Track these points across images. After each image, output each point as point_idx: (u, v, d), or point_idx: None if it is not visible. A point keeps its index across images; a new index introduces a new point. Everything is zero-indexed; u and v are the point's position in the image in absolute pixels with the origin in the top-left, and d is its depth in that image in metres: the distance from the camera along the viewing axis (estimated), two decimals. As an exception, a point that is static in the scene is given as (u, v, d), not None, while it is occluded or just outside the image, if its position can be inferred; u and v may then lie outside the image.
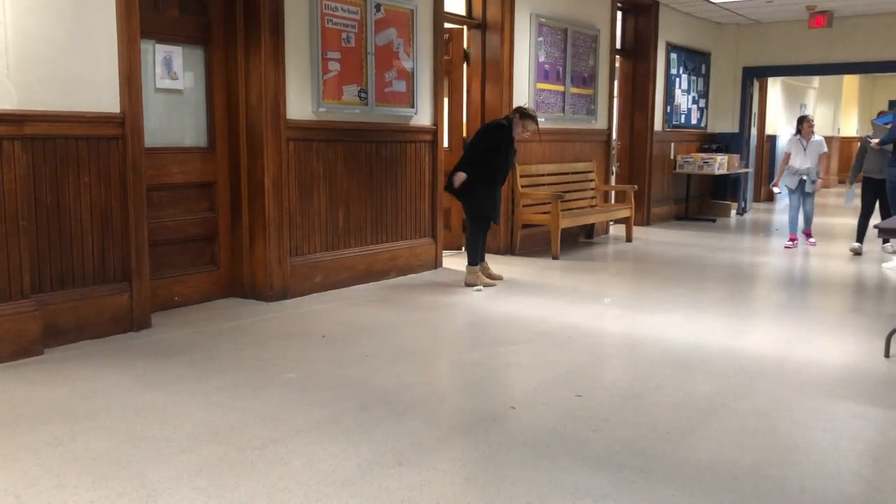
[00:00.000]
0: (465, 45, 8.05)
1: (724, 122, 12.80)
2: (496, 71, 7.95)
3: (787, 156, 9.03)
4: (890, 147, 7.88)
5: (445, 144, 7.77)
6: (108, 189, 4.70)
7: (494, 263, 7.54)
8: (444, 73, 7.48)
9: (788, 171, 9.01)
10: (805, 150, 8.90)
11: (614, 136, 10.30)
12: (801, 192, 8.97)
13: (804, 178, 8.89)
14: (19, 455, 3.04)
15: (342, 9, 6.07)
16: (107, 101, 4.65)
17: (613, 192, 10.19)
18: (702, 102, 12.55)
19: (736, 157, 12.21)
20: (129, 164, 4.76)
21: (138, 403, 3.63)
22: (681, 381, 4.11)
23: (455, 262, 7.52)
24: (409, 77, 6.78)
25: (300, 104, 5.86)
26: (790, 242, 9.01)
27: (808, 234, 9.16)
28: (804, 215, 9.08)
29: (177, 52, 5.41)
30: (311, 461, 3.02)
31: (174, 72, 5.40)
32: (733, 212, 12.41)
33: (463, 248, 8.18)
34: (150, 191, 5.03)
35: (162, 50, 5.31)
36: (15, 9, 4.17)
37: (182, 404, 3.63)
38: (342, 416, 3.52)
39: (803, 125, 9.02)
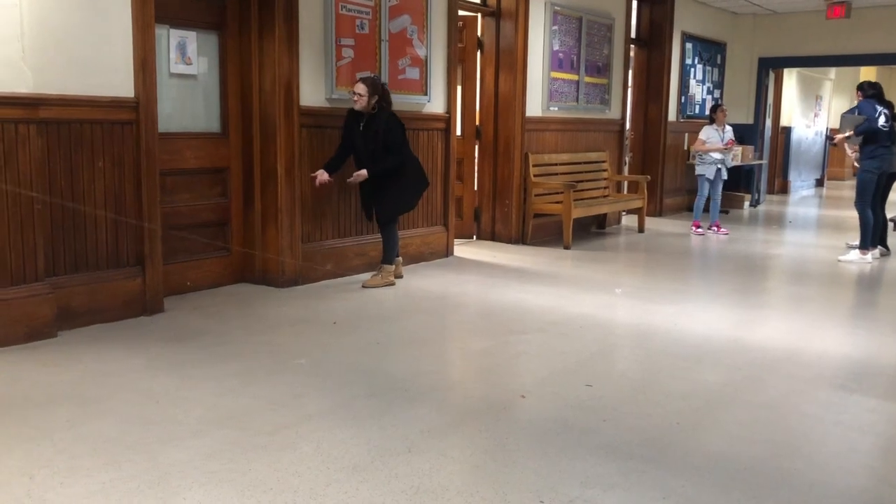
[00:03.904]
0: (478, 33, 8.01)
1: (738, 113, 12.70)
2: (510, 59, 7.92)
3: (701, 142, 9.18)
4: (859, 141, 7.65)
5: (458, 132, 7.76)
6: (121, 173, 4.72)
7: (506, 252, 7.55)
8: (458, 61, 7.45)
9: (706, 161, 9.14)
10: (722, 139, 9.14)
11: (628, 126, 10.25)
12: (716, 180, 9.23)
13: (719, 166, 9.17)
14: (33, 436, 3.07)
15: (356, -5, 6.06)
16: (121, 85, 4.66)
17: (626, 183, 10.15)
18: (716, 93, 12.46)
19: (750, 148, 12.13)
20: (143, 149, 4.77)
21: (151, 387, 3.66)
22: (691, 372, 4.10)
23: (467, 250, 7.52)
24: (423, 64, 6.76)
25: (313, 91, 5.85)
26: (699, 230, 9.24)
27: (717, 225, 9.34)
28: (713, 203, 9.32)
29: (191, 37, 5.41)
30: (322, 447, 3.03)
31: (188, 57, 5.41)
32: (747, 203, 12.34)
33: (473, 237, 8.19)
34: (163, 175, 5.05)
35: (176, 35, 5.31)
36: (31, -7, 4.18)
37: (194, 388, 3.65)
38: (352, 402, 3.53)
39: (717, 113, 9.23)
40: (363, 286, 5.88)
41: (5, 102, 4.06)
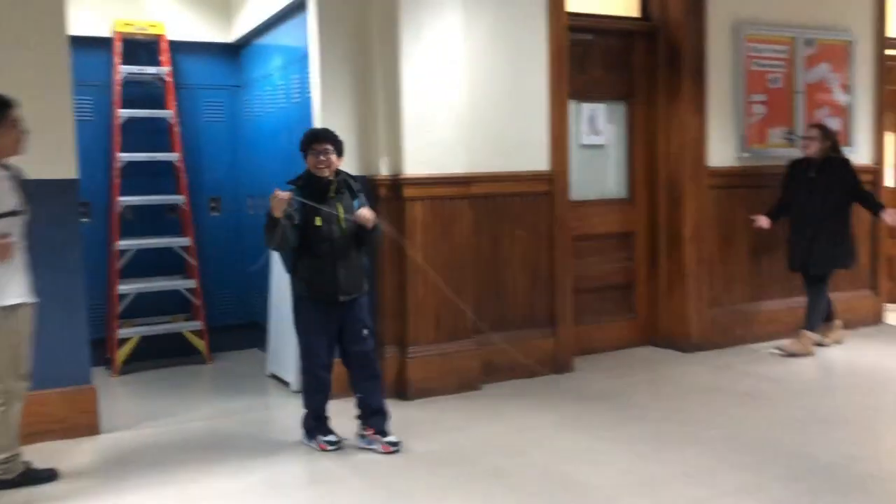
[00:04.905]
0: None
1: None
2: (954, 98, 6.86)
3: None
4: None
5: (889, 182, 6.92)
6: (537, 240, 5.08)
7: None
8: (889, 105, 6.68)
9: None
10: None
11: None
12: None
13: None
14: (465, 477, 3.40)
15: (769, 49, 5.81)
16: (538, 159, 5.05)
17: None
18: None
19: None
20: (556, 218, 5.10)
21: (563, 445, 3.81)
22: None
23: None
24: (845, 113, 6.20)
25: (722, 151, 5.71)
26: None
27: None
28: None
29: (600, 109, 5.68)
30: (740, 529, 2.86)
31: (598, 128, 5.67)
32: None
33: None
34: (573, 241, 5.31)
35: (587, 108, 5.62)
36: (467, 85, 4.77)
37: (606, 451, 3.72)
38: (772, 482, 3.28)
39: None
40: (780, 350, 5.49)
41: (445, 182, 4.66)
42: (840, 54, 6.15)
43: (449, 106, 4.67)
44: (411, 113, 4.55)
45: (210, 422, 4.32)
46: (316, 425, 3.84)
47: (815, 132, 5.48)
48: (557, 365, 5.13)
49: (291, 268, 3.78)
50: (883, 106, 6.46)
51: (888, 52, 6.54)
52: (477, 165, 4.83)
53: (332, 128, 3.88)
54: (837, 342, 5.75)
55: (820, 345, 5.63)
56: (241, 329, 5.97)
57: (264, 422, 4.42)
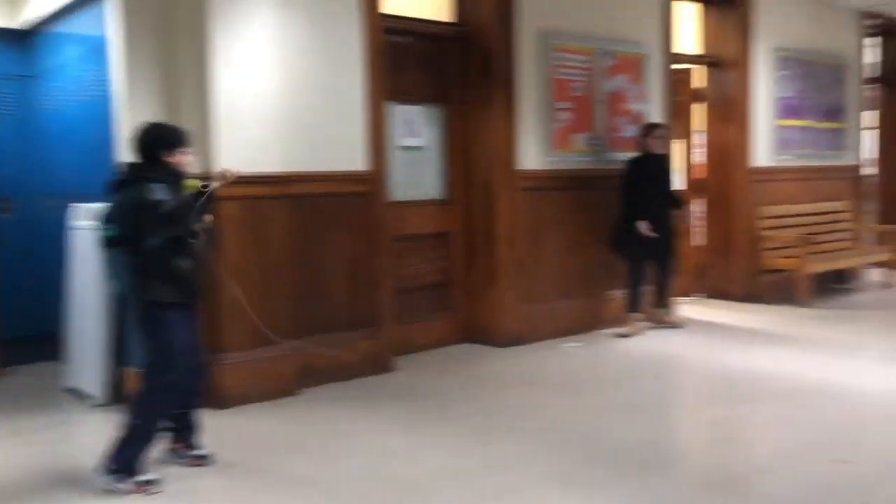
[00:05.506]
0: (698, 85, 7.79)
1: None
2: (733, 109, 7.60)
3: None
4: None
5: (678, 186, 7.53)
6: (357, 241, 5.07)
7: (735, 311, 7.16)
8: (675, 115, 7.28)
9: None
10: None
11: (871, 171, 9.39)
12: None
13: None
14: (286, 483, 3.32)
15: (573, 59, 6.15)
16: (356, 160, 5.04)
17: (871, 234, 9.25)
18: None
19: None
20: (376, 218, 5.11)
21: (383, 445, 3.83)
22: (966, 451, 3.60)
23: (692, 309, 7.19)
24: (640, 121, 6.68)
25: (531, 155, 5.98)
26: None
27: None
28: None
29: (417, 112, 5.76)
30: (549, 514, 3.00)
31: (415, 130, 5.76)
32: None
33: (699, 295, 7.83)
34: (392, 241, 5.35)
35: (404, 110, 5.68)
36: (281, 82, 4.67)
37: (423, 448, 3.77)
38: (579, 468, 3.47)
39: None
40: (619, 333, 6.10)
41: (259, 181, 4.53)
42: (636, 66, 6.62)
43: (263, 103, 4.55)
44: (222, 109, 4.40)
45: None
46: (138, 462, 3.30)
47: (666, 130, 6.11)
48: (379, 366, 5.14)
49: (157, 270, 3.31)
50: (671, 115, 7.03)
51: (675, 66, 7.13)
52: (293, 164, 4.73)
53: (137, 124, 3.65)
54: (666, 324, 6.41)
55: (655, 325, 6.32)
56: (34, 340, 5.48)
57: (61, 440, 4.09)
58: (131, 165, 3.45)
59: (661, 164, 6.25)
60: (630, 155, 6.20)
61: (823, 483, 3.25)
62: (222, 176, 3.44)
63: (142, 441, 3.31)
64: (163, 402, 3.39)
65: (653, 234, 5.97)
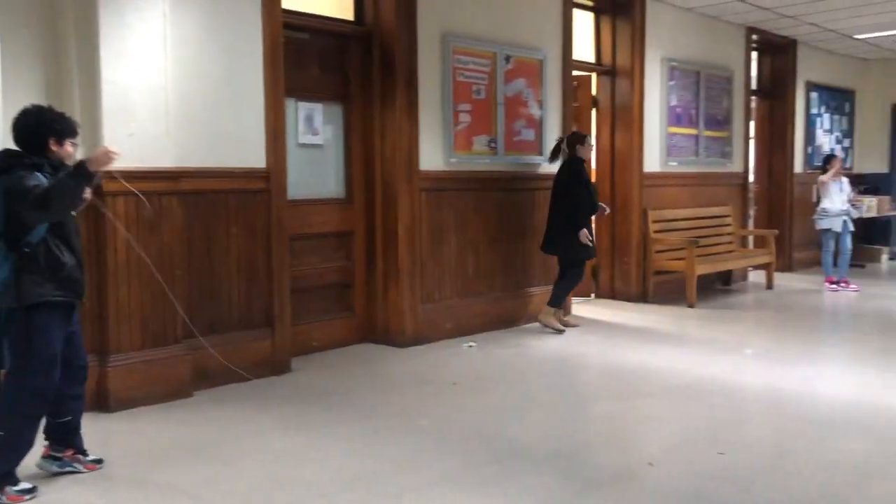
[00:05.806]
0: (594, 92, 8.02)
1: (871, 161, 12.06)
2: (626, 116, 7.88)
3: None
4: None
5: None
6: (254, 239, 4.96)
7: (627, 311, 7.40)
8: (573, 120, 7.48)
9: (830, 213, 8.73)
10: (841, 189, 8.81)
11: (751, 178, 9.92)
12: (843, 233, 8.78)
13: (845, 218, 8.77)
14: (172, 493, 3.21)
15: (473, 62, 6.22)
16: (254, 156, 4.93)
17: (752, 238, 9.78)
18: (847, 142, 11.90)
19: (886, 198, 11.46)
20: (274, 216, 5.02)
21: (280, 447, 3.76)
22: (833, 441, 3.84)
23: (585, 309, 7.40)
24: (538, 125, 6.82)
25: (433, 155, 6.00)
26: (833, 286, 8.78)
27: (846, 281, 8.80)
28: (843, 258, 8.80)
29: (318, 109, 5.69)
30: (447, 512, 3.02)
31: (315, 128, 5.68)
32: (884, 257, 11.61)
33: (592, 295, 8.06)
34: (291, 240, 5.27)
35: (304, 107, 5.60)
36: (175, 76, 4.52)
37: (322, 449, 3.72)
38: (475, 466, 3.51)
39: (834, 163, 8.85)
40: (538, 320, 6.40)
41: (150, 176, 4.37)
42: (534, 71, 6.76)
43: (154, 96, 4.39)
44: (111, 102, 4.22)
45: None
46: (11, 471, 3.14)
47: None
48: (275, 366, 5.05)
49: (38, 265, 3.11)
50: (569, 120, 7.21)
51: (574, 72, 7.32)
52: (188, 160, 4.59)
53: (17, 110, 3.44)
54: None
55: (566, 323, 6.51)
56: None
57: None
58: (7, 152, 3.21)
59: (587, 171, 6.52)
60: (564, 161, 6.43)
61: (708, 475, 3.41)
62: (105, 155, 3.12)
63: (9, 451, 3.11)
64: (30, 409, 3.17)
65: (590, 242, 6.29)
